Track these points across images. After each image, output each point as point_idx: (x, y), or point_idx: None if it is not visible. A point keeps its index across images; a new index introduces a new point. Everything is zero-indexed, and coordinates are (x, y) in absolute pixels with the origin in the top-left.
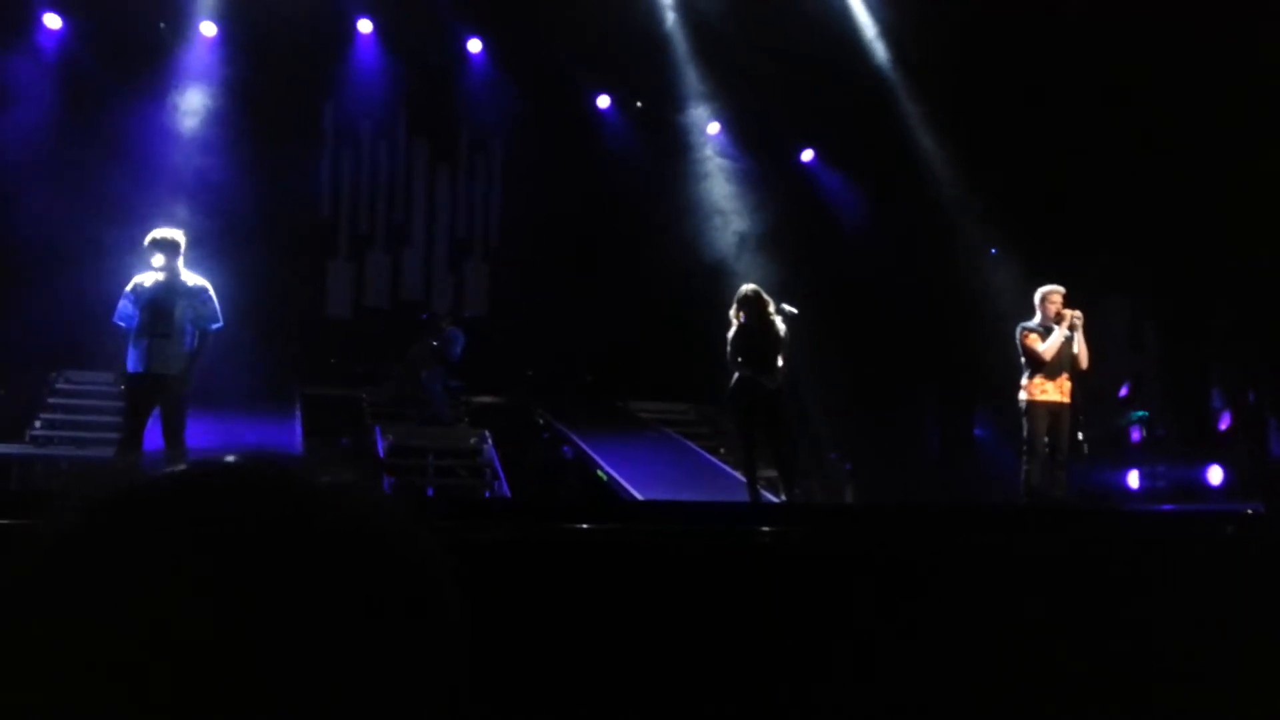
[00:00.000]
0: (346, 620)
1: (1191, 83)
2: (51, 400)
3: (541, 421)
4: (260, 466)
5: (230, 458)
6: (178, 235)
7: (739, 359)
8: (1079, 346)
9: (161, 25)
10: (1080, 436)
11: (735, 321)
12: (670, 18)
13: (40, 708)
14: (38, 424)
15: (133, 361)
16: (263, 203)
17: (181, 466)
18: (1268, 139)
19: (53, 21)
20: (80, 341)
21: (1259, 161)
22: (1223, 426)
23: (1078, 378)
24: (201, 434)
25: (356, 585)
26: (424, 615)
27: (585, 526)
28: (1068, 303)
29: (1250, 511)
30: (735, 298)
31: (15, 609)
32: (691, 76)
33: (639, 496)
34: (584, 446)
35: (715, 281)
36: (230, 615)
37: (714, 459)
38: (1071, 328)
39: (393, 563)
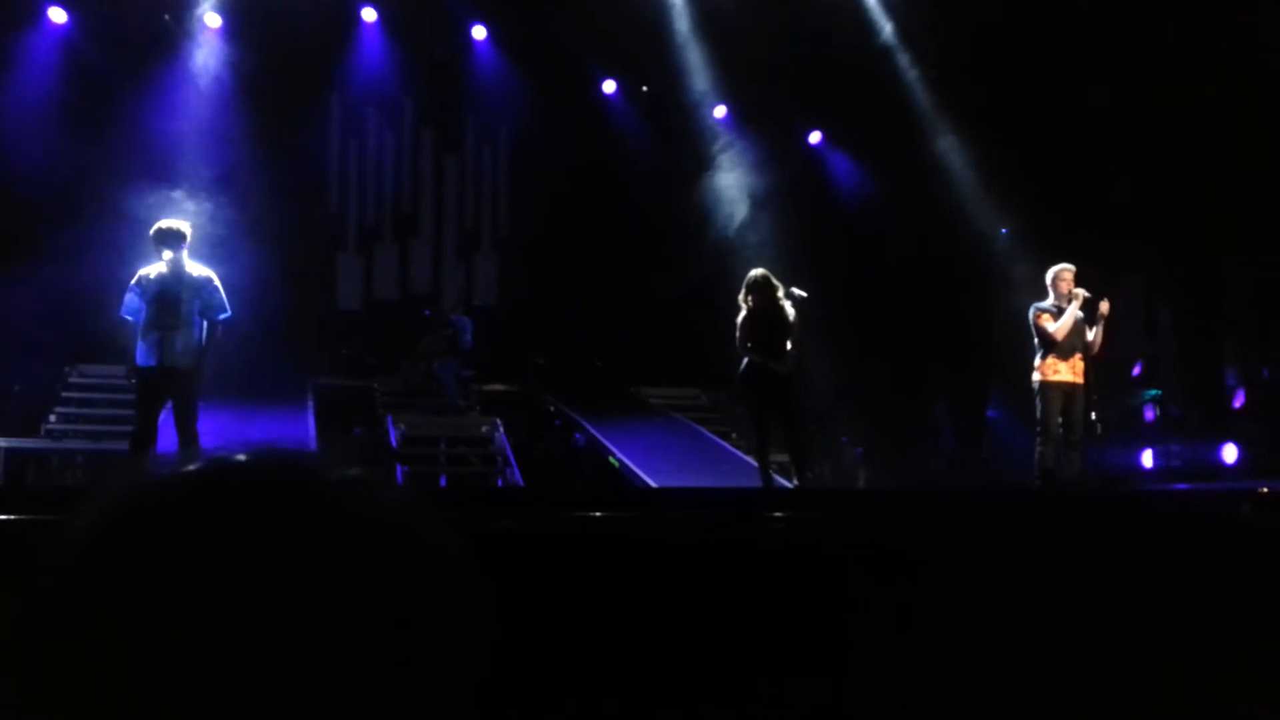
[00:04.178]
0: (363, 615)
1: (1201, 63)
2: (65, 394)
3: (553, 409)
4: (272, 463)
5: (241, 455)
6: (183, 226)
7: (749, 344)
8: (1095, 334)
9: (166, 17)
10: (1094, 416)
11: (745, 306)
12: (675, 1)
13: (58, 703)
14: (52, 418)
15: (143, 355)
16: (271, 196)
17: (193, 465)
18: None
19: (58, 15)
20: (93, 335)
21: (1270, 142)
22: (1237, 404)
23: (1090, 358)
24: (214, 427)
25: (372, 580)
26: (443, 607)
27: (598, 515)
28: (1079, 281)
29: (1265, 490)
30: (744, 282)
31: (36, 606)
32: (697, 60)
33: (651, 483)
34: (595, 433)
35: (724, 266)
36: (244, 612)
37: (725, 444)
38: (1100, 316)
39: (408, 556)
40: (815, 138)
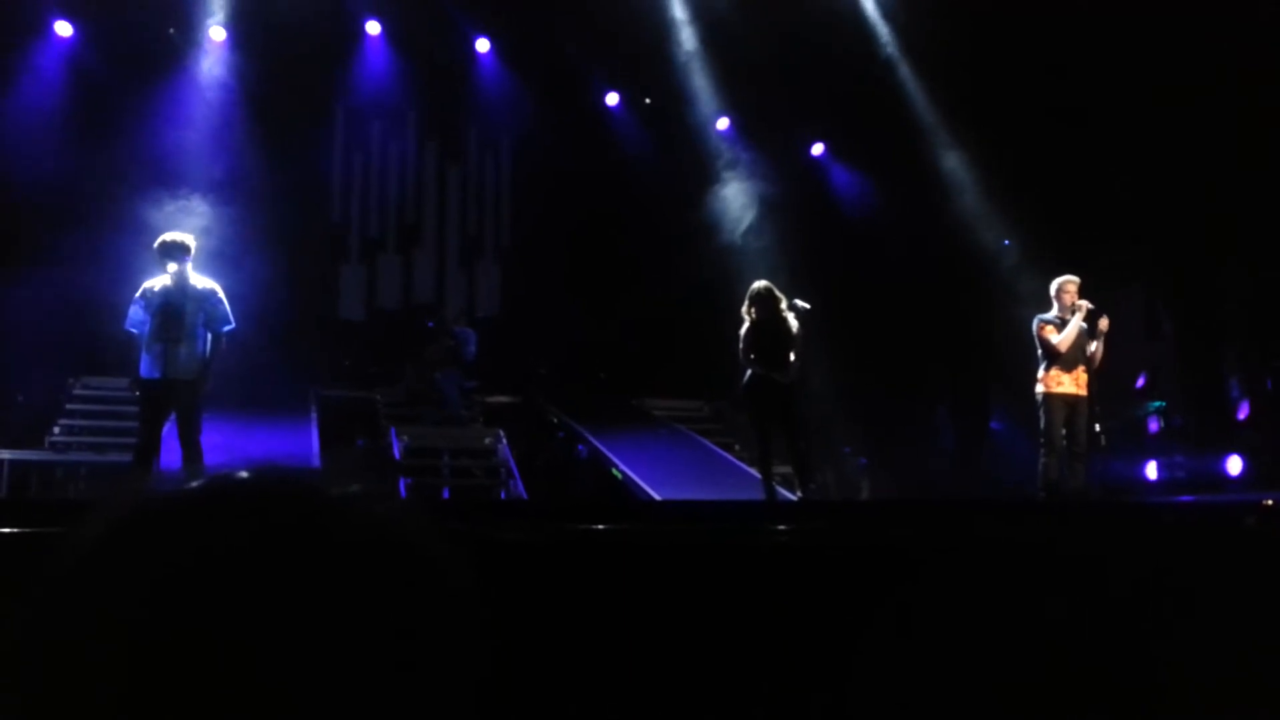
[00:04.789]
0: (364, 626)
1: (1203, 69)
2: (70, 406)
3: (555, 420)
4: (274, 480)
5: (243, 472)
6: (187, 239)
7: (751, 356)
8: (1096, 348)
9: (171, 31)
10: (1097, 428)
11: (747, 318)
12: (678, 13)
13: (61, 712)
14: (56, 430)
15: (146, 367)
16: (275, 205)
17: (196, 482)
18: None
19: (63, 29)
20: (97, 346)
21: (1271, 143)
22: (1241, 416)
23: (1093, 370)
24: (218, 439)
25: (373, 593)
26: (443, 621)
27: (601, 526)
28: (1082, 293)
29: (1270, 502)
30: (747, 294)
31: (39, 617)
32: (700, 72)
33: (654, 495)
34: (598, 445)
35: (727, 277)
36: (246, 625)
37: (728, 455)
38: (1100, 332)
39: (408, 568)
40: (818, 149)
